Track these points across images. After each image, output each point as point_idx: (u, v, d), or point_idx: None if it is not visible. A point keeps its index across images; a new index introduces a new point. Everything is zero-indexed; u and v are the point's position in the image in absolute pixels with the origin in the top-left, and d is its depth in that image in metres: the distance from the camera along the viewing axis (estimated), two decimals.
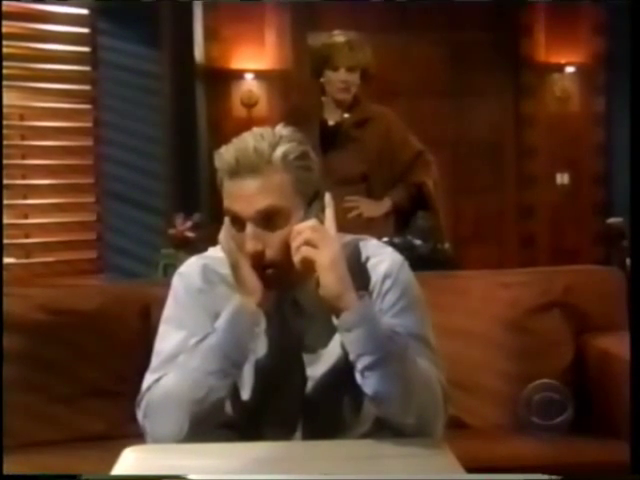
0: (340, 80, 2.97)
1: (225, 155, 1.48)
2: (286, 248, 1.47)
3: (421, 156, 3.11)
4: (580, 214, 5.55)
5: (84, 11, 3.90)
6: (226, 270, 1.53)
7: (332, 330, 1.52)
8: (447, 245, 2.90)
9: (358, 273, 1.54)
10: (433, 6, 5.18)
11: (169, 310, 1.60)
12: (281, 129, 1.52)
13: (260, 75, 5.08)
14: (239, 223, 1.48)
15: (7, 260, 3.86)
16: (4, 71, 3.79)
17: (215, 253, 1.60)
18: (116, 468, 1.33)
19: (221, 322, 1.49)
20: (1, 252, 3.21)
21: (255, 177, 1.46)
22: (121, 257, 3.86)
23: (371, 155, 3.01)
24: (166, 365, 1.54)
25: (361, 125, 3.04)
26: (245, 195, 1.47)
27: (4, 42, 3.71)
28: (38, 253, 3.92)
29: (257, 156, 1.46)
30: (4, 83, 3.80)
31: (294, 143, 1.50)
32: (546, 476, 1.23)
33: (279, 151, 1.47)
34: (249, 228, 1.46)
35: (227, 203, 1.49)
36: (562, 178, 5.58)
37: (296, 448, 1.49)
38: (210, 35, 4.99)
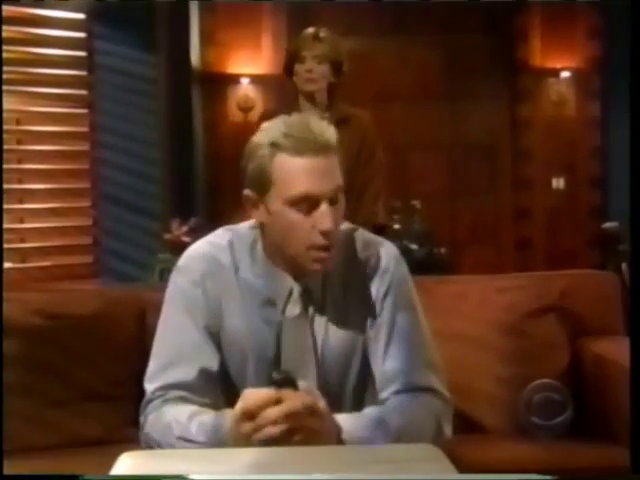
0: (306, 69, 2.94)
1: (290, 131, 1.49)
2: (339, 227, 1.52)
3: (382, 169, 3.08)
4: (576, 218, 5.56)
5: (80, 15, 3.90)
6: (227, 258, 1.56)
7: (341, 315, 1.57)
8: (443, 250, 2.91)
9: (354, 264, 1.60)
10: (429, 9, 5.19)
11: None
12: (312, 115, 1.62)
13: (256, 79, 5.09)
14: (310, 204, 1.49)
15: (4, 264, 3.87)
16: (1, 76, 3.81)
17: (217, 238, 1.62)
18: (112, 473, 1.32)
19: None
20: (1, 256, 3.22)
21: (325, 156, 1.50)
22: (117, 261, 3.86)
23: (351, 156, 2.97)
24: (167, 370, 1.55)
25: (340, 125, 2.99)
26: (320, 173, 1.49)
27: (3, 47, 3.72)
28: (35, 257, 3.92)
29: (321, 136, 1.50)
30: (6, 87, 3.81)
31: (332, 126, 1.55)
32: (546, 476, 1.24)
33: (332, 132, 1.53)
34: (324, 207, 1.49)
35: (296, 185, 1.48)
36: (558, 182, 5.59)
37: (294, 453, 1.49)
38: (206, 39, 5.00)
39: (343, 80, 3.04)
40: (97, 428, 2.07)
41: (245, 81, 5.08)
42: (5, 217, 3.80)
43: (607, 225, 5.20)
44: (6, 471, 1.62)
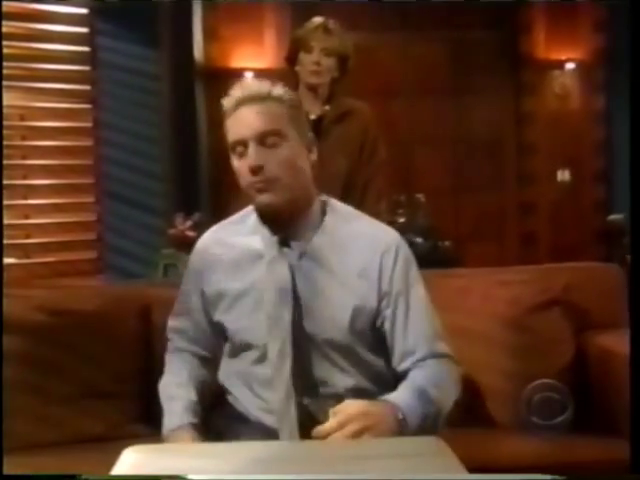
0: (313, 61, 2.86)
1: (233, 93, 1.68)
2: (284, 165, 1.66)
3: (384, 167, 3.04)
4: (581, 211, 5.54)
5: (83, 11, 3.89)
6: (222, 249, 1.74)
7: (334, 278, 1.67)
8: (448, 243, 2.88)
9: (350, 234, 1.72)
10: (433, 4, 5.17)
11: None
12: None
13: (260, 74, 5.07)
14: (243, 147, 1.66)
15: (7, 260, 3.87)
16: (4, 71, 3.80)
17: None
18: (116, 468, 1.32)
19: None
20: (1, 252, 3.21)
21: (258, 104, 1.66)
22: (121, 258, 3.86)
23: (352, 152, 2.94)
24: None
25: (342, 119, 2.94)
26: (249, 119, 1.65)
27: (4, 42, 3.72)
28: (38, 253, 3.92)
29: (259, 90, 1.68)
30: (4, 83, 3.80)
31: (287, 90, 1.72)
32: (547, 476, 1.23)
33: (277, 90, 1.70)
34: (251, 147, 1.65)
35: (232, 134, 1.67)
36: (563, 175, 5.57)
37: (294, 448, 1.48)
38: (209, 34, 4.98)
39: (346, 76, 3.00)
40: (100, 425, 2.07)
41: (248, 75, 5.07)
42: (9, 213, 3.81)
43: (612, 218, 5.18)
44: (10, 468, 1.62)
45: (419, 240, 2.76)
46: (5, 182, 3.77)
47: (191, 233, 2.91)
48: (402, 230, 2.90)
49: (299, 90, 2.95)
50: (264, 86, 1.70)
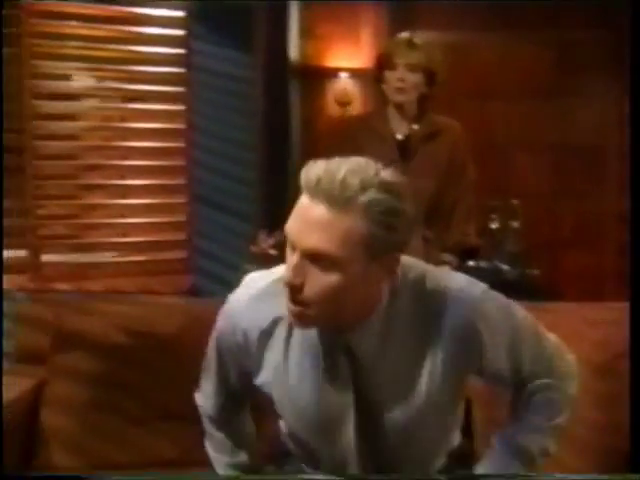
0: (397, 78, 2.78)
1: (311, 170, 1.32)
2: (329, 295, 1.33)
3: (473, 187, 2.93)
4: None
5: (180, 13, 3.93)
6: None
7: (391, 379, 1.44)
8: (536, 271, 2.78)
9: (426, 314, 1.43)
10: (536, 4, 4.98)
11: None
12: (384, 172, 1.33)
13: (355, 74, 5.01)
14: (291, 246, 1.36)
15: (103, 258, 3.97)
16: (104, 73, 3.90)
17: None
18: None
19: None
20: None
21: (328, 209, 1.28)
22: (207, 259, 3.90)
23: (440, 170, 2.84)
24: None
25: (431, 138, 2.85)
26: (306, 221, 1.31)
27: (104, 45, 3.81)
28: (133, 252, 4.01)
29: (341, 189, 1.28)
30: (107, 84, 3.90)
31: (388, 196, 1.30)
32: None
33: (367, 197, 1.28)
34: (296, 257, 1.34)
35: (290, 219, 1.35)
36: None
37: None
38: (305, 33, 4.95)
39: (436, 91, 2.91)
40: (174, 449, 2.10)
41: (344, 75, 5.02)
42: (107, 212, 3.90)
43: None
44: None
45: (506, 268, 2.66)
46: (103, 182, 3.88)
47: (273, 251, 2.90)
48: (488, 256, 2.81)
49: (387, 108, 2.90)
50: (352, 186, 1.27)
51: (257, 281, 1.57)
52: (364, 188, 1.29)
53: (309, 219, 1.30)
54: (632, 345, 1.42)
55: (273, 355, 1.51)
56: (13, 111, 3.64)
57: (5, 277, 3.62)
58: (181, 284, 3.88)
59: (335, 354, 1.45)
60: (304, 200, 1.32)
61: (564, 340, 2.15)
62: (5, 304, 2.47)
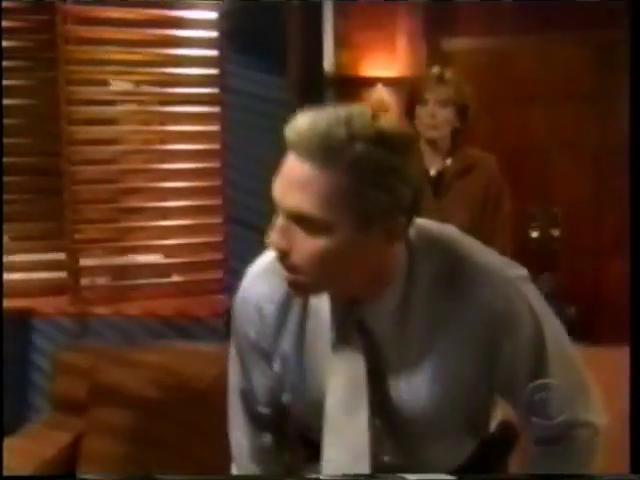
0: (428, 114, 2.76)
1: (295, 122, 1.19)
2: (317, 260, 1.21)
3: (509, 221, 2.88)
4: None
5: (214, 34, 3.92)
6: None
7: (406, 360, 1.32)
8: (573, 309, 2.74)
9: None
10: (575, 5, 4.87)
11: None
12: (385, 120, 1.15)
13: (391, 83, 4.96)
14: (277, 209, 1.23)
15: (144, 280, 4.00)
16: (141, 97, 3.93)
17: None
18: None
19: None
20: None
21: (311, 166, 1.14)
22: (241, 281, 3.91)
23: (475, 205, 2.81)
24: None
25: (465, 173, 2.83)
26: (289, 180, 1.18)
27: (139, 69, 3.83)
28: (171, 273, 4.04)
29: (323, 140, 1.12)
30: (150, 108, 3.93)
31: (383, 150, 1.12)
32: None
33: (355, 150, 1.12)
34: (279, 219, 1.23)
35: (276, 179, 1.24)
36: None
37: None
38: (340, 43, 4.91)
39: (469, 125, 2.88)
40: None
41: (380, 84, 4.97)
42: (147, 234, 3.94)
43: None
44: None
45: None
46: (143, 204, 3.91)
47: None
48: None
49: (420, 144, 2.87)
50: (339, 137, 1.10)
51: (263, 259, 1.55)
52: (352, 139, 1.12)
53: (291, 177, 1.17)
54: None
55: (288, 332, 1.44)
56: (51, 133, 3.71)
57: (44, 300, 3.69)
58: (217, 305, 3.90)
59: (349, 329, 1.34)
60: (289, 157, 1.20)
61: (604, 387, 2.11)
62: (41, 348, 2.50)
